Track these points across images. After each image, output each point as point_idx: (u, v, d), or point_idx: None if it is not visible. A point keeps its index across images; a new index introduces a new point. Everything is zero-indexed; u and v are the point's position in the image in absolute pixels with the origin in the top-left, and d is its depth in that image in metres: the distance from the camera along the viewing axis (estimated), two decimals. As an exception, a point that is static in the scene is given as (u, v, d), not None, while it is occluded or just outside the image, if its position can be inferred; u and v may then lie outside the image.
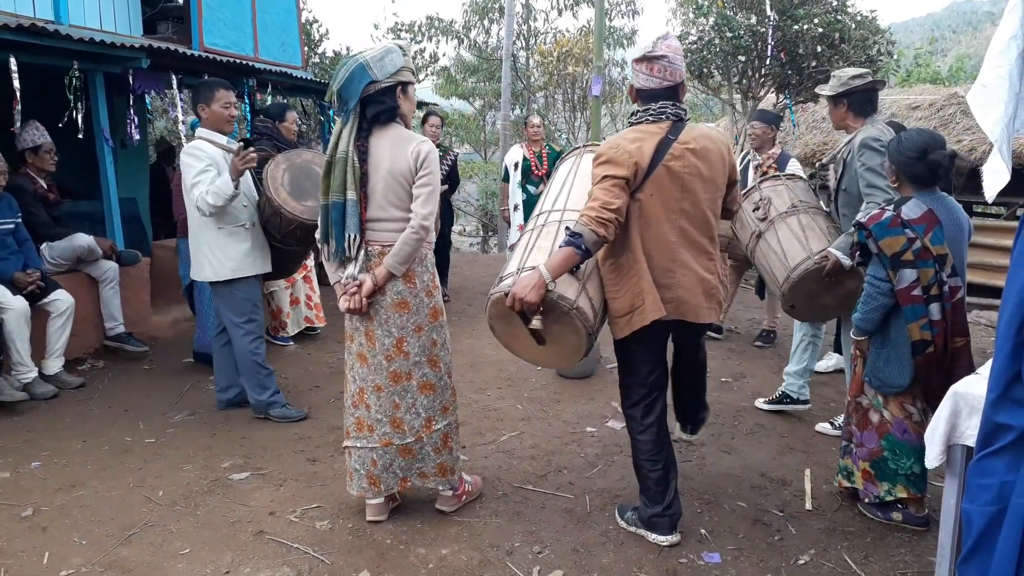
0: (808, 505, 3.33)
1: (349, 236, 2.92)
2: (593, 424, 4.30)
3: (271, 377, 4.33)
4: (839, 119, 3.86)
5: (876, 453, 3.16)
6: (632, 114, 2.91)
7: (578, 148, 3.38)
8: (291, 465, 3.73)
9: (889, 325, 3.04)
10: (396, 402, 3.04)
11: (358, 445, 3.11)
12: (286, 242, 4.30)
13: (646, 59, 2.77)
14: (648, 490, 3.00)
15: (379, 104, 2.92)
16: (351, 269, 2.96)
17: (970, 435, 2.22)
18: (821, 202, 4.11)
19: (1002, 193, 2.04)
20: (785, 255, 3.77)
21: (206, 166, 3.93)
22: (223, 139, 4.14)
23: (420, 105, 11.11)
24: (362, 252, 2.96)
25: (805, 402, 4.40)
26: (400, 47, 2.98)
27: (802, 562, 2.90)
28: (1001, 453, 1.84)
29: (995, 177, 1.99)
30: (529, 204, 6.88)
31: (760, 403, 4.54)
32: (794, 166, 5.55)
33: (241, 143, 4.26)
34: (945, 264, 2.91)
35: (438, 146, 6.78)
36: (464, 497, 3.29)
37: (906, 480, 3.10)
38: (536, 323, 2.63)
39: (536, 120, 7.23)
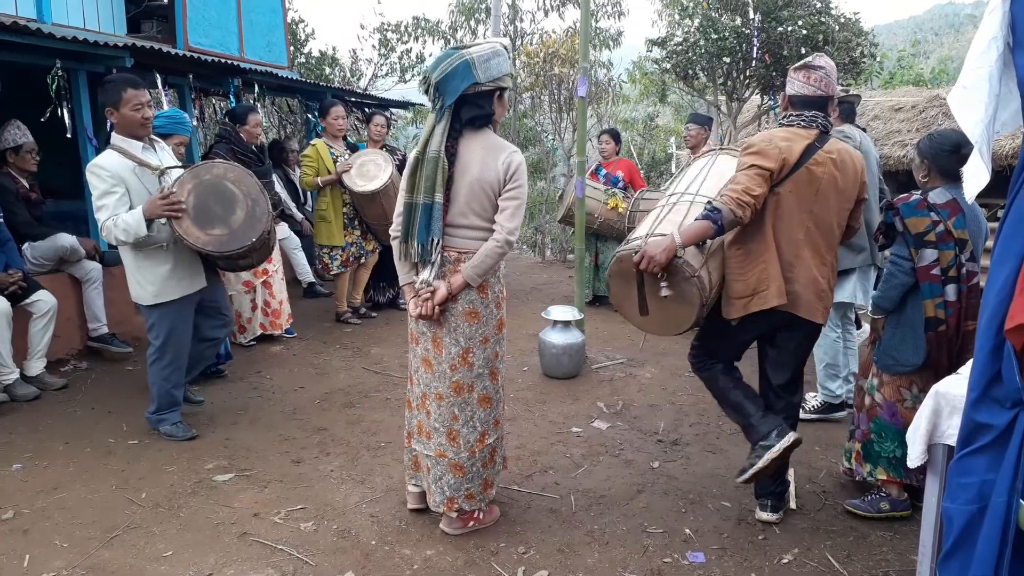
0: (792, 504, 3.34)
1: (433, 240, 2.81)
2: (579, 424, 4.31)
3: (176, 411, 4.07)
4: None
5: (866, 435, 3.29)
6: (784, 117, 3.10)
7: (714, 149, 3.61)
8: (275, 466, 3.71)
9: (907, 305, 3.15)
10: (455, 414, 2.96)
11: (418, 449, 3.10)
12: (210, 261, 3.95)
13: (805, 67, 3.00)
14: (741, 407, 3.10)
15: (477, 108, 2.80)
16: (425, 274, 2.85)
17: (951, 434, 2.25)
18: None
19: (982, 195, 2.05)
20: None
21: (110, 187, 3.59)
22: (138, 147, 3.78)
23: (399, 106, 10.99)
24: (438, 257, 2.85)
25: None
26: (504, 47, 2.82)
27: (786, 561, 2.92)
28: (981, 452, 1.85)
29: (976, 178, 2.00)
30: None
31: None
32: None
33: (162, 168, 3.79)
34: (965, 248, 3.07)
35: (383, 147, 6.47)
36: (472, 523, 3.09)
37: (887, 463, 3.22)
38: (665, 291, 2.82)
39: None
